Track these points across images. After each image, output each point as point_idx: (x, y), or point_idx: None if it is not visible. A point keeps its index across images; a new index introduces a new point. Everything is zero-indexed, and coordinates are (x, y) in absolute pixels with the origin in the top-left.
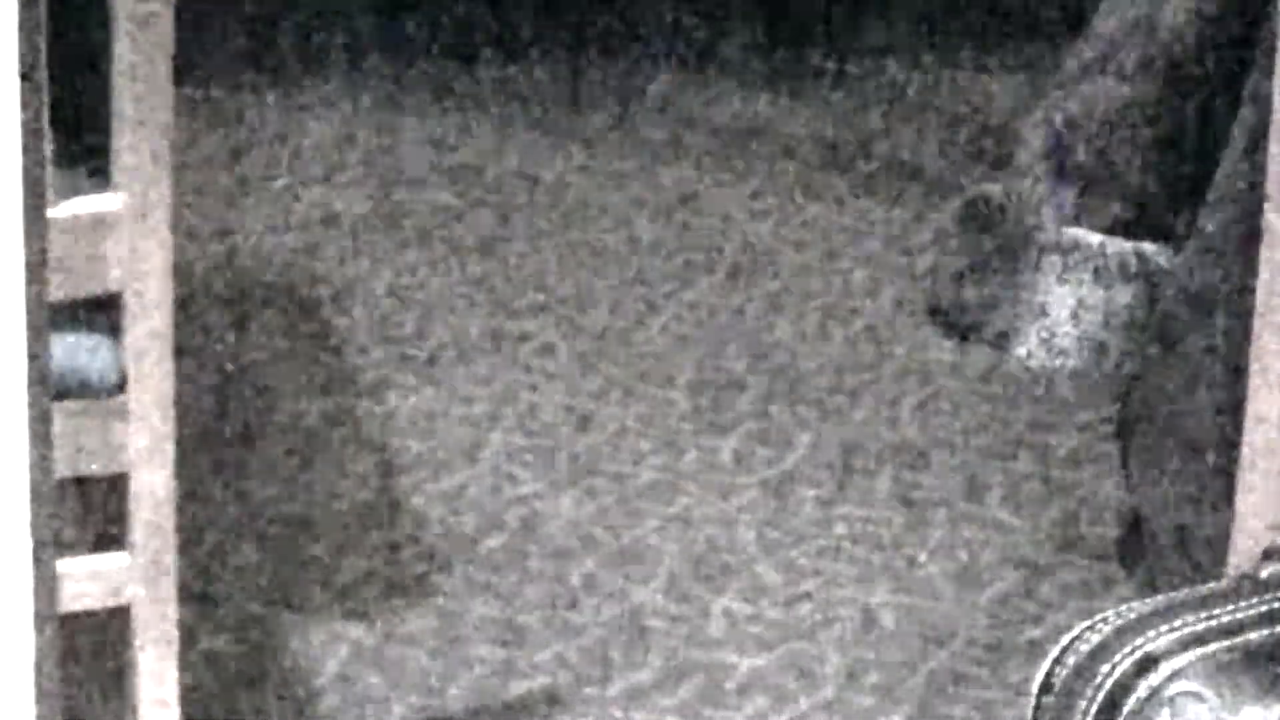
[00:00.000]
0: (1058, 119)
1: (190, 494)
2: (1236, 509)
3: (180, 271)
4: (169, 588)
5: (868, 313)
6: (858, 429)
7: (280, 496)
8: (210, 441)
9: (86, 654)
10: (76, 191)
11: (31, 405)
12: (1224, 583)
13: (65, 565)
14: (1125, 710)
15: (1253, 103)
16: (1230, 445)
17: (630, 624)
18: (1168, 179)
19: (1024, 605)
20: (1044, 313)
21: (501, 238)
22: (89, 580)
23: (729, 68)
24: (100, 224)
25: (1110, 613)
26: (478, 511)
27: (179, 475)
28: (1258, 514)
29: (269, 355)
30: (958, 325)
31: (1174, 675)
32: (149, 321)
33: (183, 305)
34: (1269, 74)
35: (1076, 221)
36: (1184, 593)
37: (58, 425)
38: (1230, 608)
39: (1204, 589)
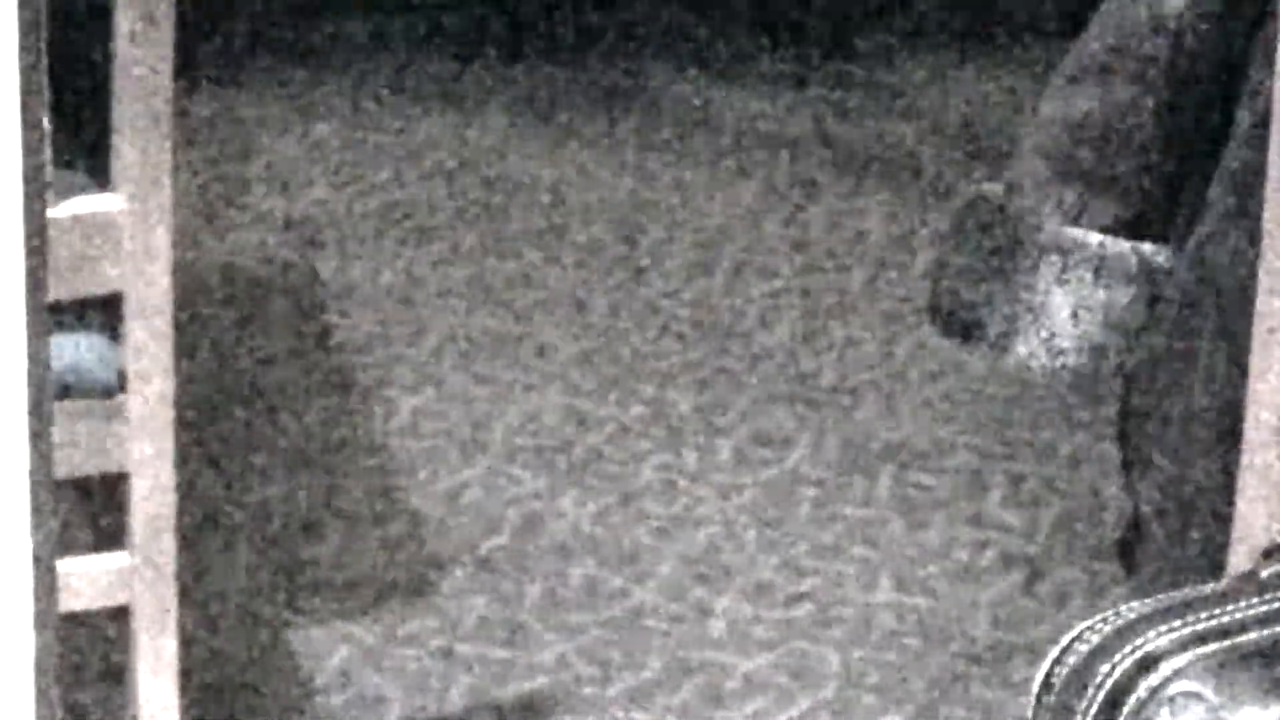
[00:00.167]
0: (1058, 119)
1: (190, 494)
2: (1236, 509)
3: (180, 271)
4: (169, 588)
5: (868, 313)
6: (858, 429)
7: (280, 496)
8: (210, 441)
9: (86, 654)
10: (76, 191)
11: (31, 405)
12: (1224, 583)
13: (65, 565)
14: (1125, 710)
15: (1252, 103)
16: (1230, 445)
17: (630, 624)
18: (1168, 179)
19: (1024, 605)
20: (1044, 313)
21: (501, 237)
22: (89, 580)
23: (729, 68)
24: (100, 224)
25: (1110, 613)
26: (478, 511)
27: (179, 475)
28: (1258, 514)
29: (269, 355)
30: (958, 325)
31: (1174, 675)
32: (149, 321)
33: (183, 305)
34: (1269, 74)
35: (1076, 221)
36: (1184, 593)
37: (58, 425)
38: (1230, 608)
39: (1204, 589)
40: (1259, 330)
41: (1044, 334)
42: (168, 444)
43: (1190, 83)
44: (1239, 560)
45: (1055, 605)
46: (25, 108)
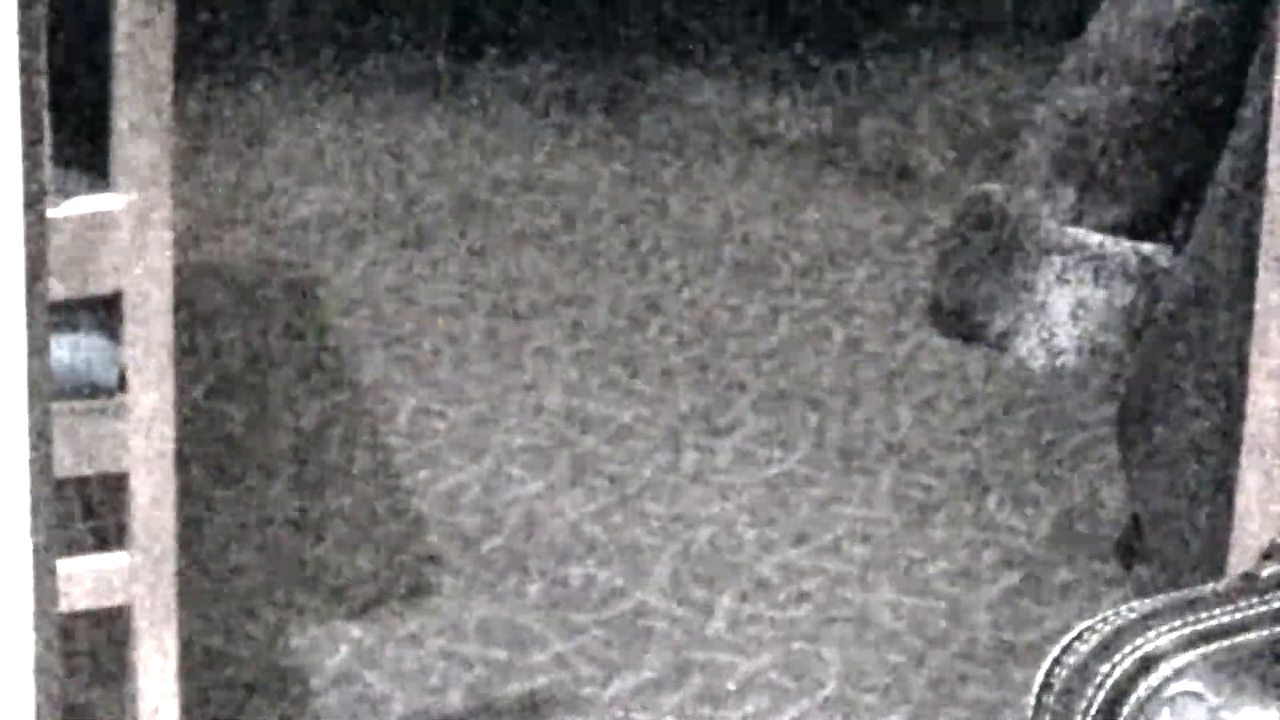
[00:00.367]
0: (1058, 119)
1: (190, 494)
2: (1236, 509)
3: (180, 271)
4: (169, 588)
5: (868, 313)
6: (858, 429)
7: (280, 496)
8: (210, 441)
9: (86, 654)
10: (76, 191)
11: (31, 405)
12: (1224, 583)
13: (65, 565)
14: (1125, 710)
15: (1252, 103)
16: (1230, 445)
17: (630, 624)
18: (1168, 179)
19: (1024, 605)
20: (1044, 313)
21: (501, 237)
22: (89, 580)
23: (729, 67)
24: (100, 224)
25: (1110, 613)
26: (478, 511)
27: (179, 475)
28: (1258, 514)
29: (269, 355)
30: (958, 325)
31: (1174, 675)
32: (149, 321)
33: (183, 305)
34: (1269, 74)
35: (1076, 221)
36: (1184, 593)
37: (58, 425)
38: (1230, 608)
39: (1204, 589)
40: (1259, 330)
41: (1044, 333)
42: (168, 444)
43: (1190, 83)
44: (1239, 560)
45: (1055, 605)
46: (25, 107)
